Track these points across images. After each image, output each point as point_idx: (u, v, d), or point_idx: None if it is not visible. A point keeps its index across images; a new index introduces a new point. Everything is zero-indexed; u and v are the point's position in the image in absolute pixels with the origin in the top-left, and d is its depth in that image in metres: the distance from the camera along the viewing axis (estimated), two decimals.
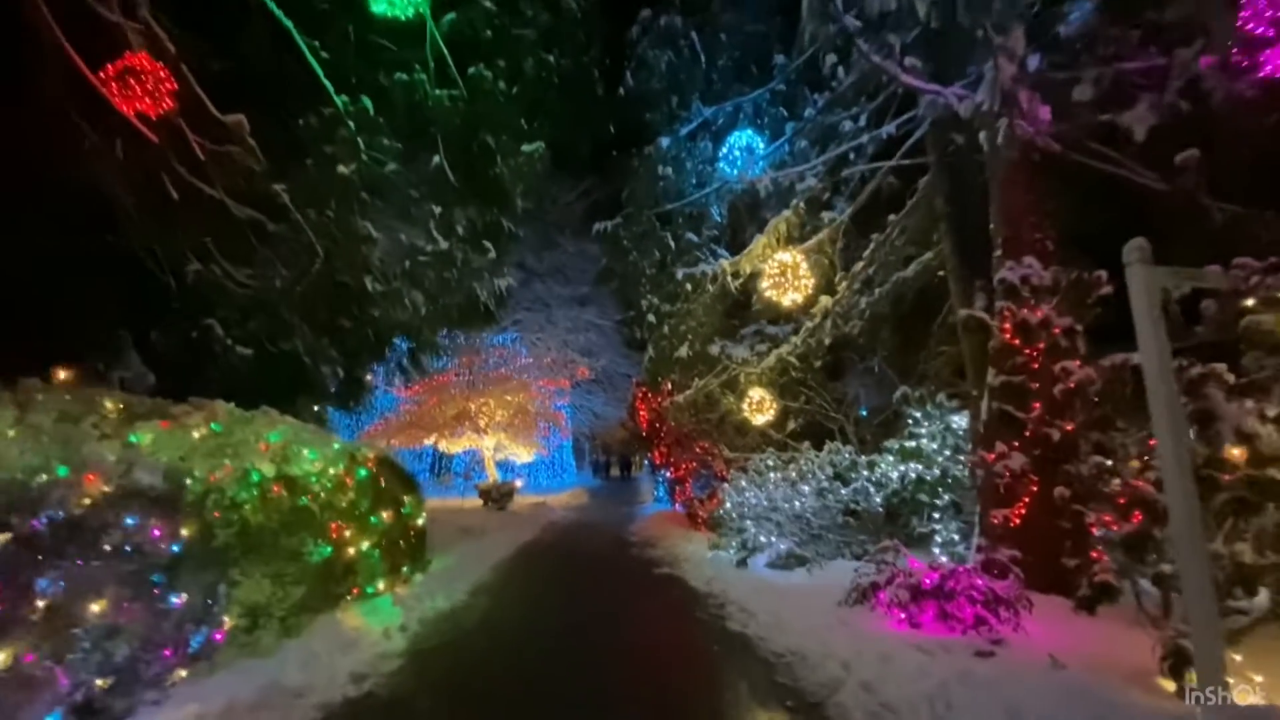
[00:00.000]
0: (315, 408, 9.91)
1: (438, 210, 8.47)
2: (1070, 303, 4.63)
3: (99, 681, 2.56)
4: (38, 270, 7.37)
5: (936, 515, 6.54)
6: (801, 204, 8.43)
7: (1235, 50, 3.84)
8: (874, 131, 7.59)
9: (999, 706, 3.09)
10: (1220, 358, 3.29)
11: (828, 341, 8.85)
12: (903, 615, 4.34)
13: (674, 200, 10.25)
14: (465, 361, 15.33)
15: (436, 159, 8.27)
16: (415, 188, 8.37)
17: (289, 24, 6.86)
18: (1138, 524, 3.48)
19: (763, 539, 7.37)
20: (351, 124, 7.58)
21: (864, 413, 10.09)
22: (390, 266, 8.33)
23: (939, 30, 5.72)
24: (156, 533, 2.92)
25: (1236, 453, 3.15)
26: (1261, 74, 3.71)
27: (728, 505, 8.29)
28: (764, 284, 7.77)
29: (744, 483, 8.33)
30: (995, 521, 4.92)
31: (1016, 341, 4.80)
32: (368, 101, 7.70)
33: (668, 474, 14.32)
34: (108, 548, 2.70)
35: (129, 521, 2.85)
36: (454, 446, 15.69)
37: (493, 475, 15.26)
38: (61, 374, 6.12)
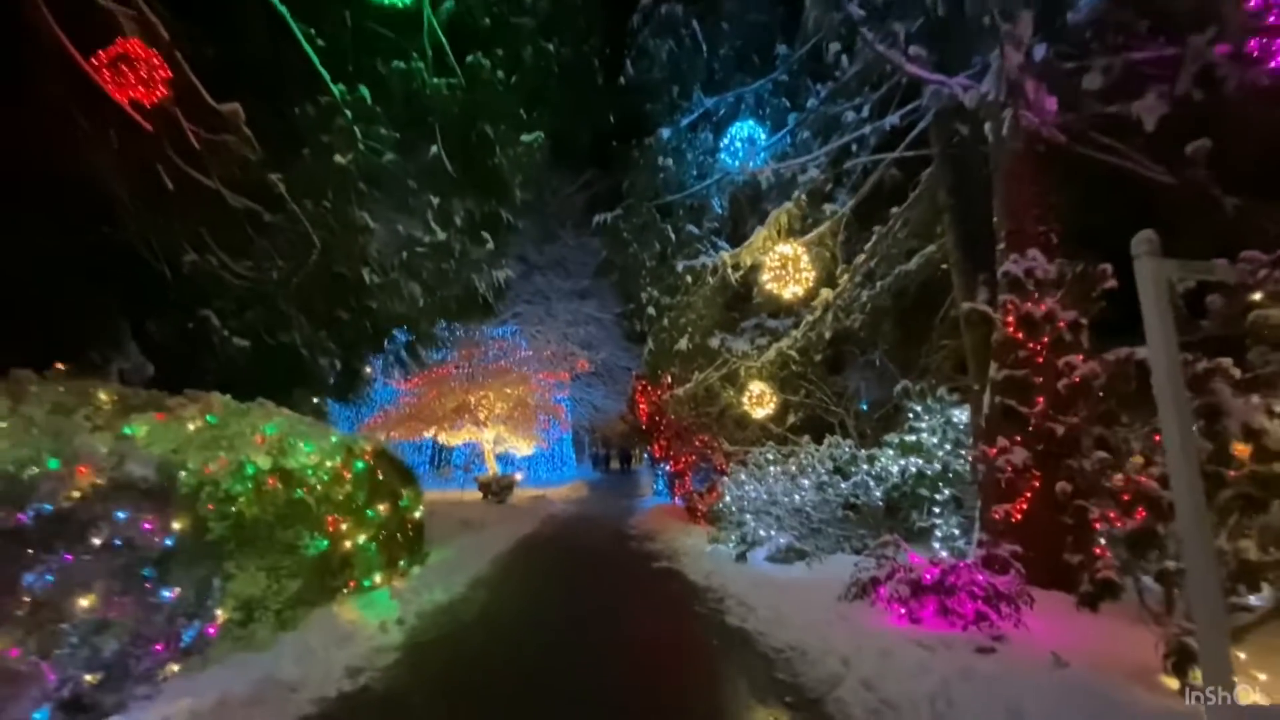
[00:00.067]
0: (315, 400, 9.87)
1: (435, 201, 8.39)
2: (1075, 296, 4.57)
3: (87, 677, 2.53)
4: (34, 262, 7.31)
5: (937, 510, 6.51)
6: (803, 196, 8.36)
7: (1248, 39, 3.76)
8: (877, 123, 7.49)
9: (1000, 704, 3.06)
10: (1225, 353, 3.24)
11: (828, 335, 8.80)
12: (903, 610, 4.31)
13: (674, 192, 10.16)
14: (465, 354, 15.32)
15: (434, 149, 8.17)
16: (413, 178, 8.28)
17: (284, 10, 6.75)
18: (1141, 520, 3.45)
19: (762, 533, 7.35)
20: (348, 113, 7.48)
21: (864, 407, 10.05)
22: (388, 258, 8.26)
23: (944, 18, 5.63)
24: (148, 526, 2.88)
25: (1242, 449, 3.12)
26: (1275, 63, 3.63)
27: (727, 499, 8.26)
28: (765, 277, 7.72)
29: (743, 476, 8.30)
30: (996, 516, 4.88)
31: (1020, 335, 4.75)
32: (365, 90, 7.60)
33: (667, 467, 14.31)
34: (97, 541, 2.66)
35: (119, 515, 2.81)
36: (454, 439, 15.68)
37: (492, 468, 15.25)
38: (60, 366, 6.08)
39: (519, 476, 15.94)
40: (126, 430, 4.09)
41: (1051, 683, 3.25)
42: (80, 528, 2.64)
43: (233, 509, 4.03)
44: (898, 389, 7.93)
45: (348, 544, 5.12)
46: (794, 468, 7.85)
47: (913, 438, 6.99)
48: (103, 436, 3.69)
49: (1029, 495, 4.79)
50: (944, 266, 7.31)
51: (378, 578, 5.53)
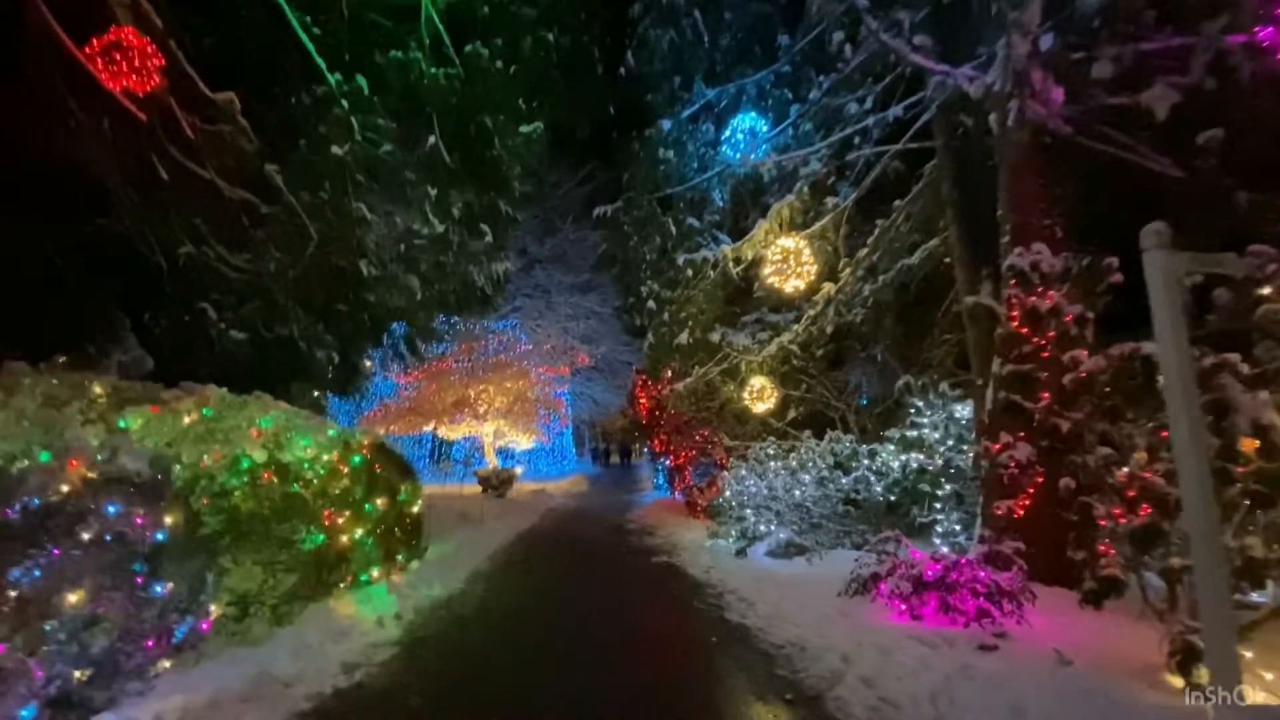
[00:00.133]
0: (315, 394, 9.82)
1: (434, 192, 8.29)
2: (1081, 290, 4.52)
3: (76, 674, 2.49)
4: (29, 254, 7.25)
5: (938, 505, 6.48)
6: (805, 189, 8.28)
7: (1261, 28, 3.68)
8: (880, 114, 7.40)
9: (1003, 703, 3.02)
10: (1231, 348, 3.20)
11: (830, 329, 8.74)
12: (904, 607, 4.28)
13: (675, 184, 10.07)
14: (465, 348, 15.27)
15: (432, 140, 8.07)
16: (411, 169, 8.18)
17: None
18: (1147, 516, 3.41)
19: (762, 528, 7.33)
20: (345, 103, 7.38)
21: (864, 402, 10.01)
22: (386, 250, 8.18)
23: (950, 6, 5.54)
24: (139, 520, 2.84)
25: (1249, 445, 3.08)
26: None
27: (727, 494, 8.23)
28: (766, 270, 7.66)
29: (744, 471, 8.27)
30: (998, 512, 4.85)
31: (1025, 329, 4.70)
32: (362, 80, 7.49)
33: (667, 462, 14.29)
34: (86, 536, 2.61)
35: (110, 509, 2.76)
36: (454, 433, 15.65)
37: (492, 462, 15.23)
38: (62, 359, 6.04)
39: (519, 471, 15.93)
40: (121, 423, 4.05)
41: (1054, 681, 3.22)
42: (69, 522, 2.59)
43: (227, 503, 3.99)
44: (899, 384, 7.89)
45: (344, 538, 5.09)
46: (794, 463, 7.83)
47: (914, 433, 6.96)
48: (95, 429, 3.65)
49: (1032, 491, 4.75)
50: (947, 260, 7.24)
51: (375, 572, 5.50)
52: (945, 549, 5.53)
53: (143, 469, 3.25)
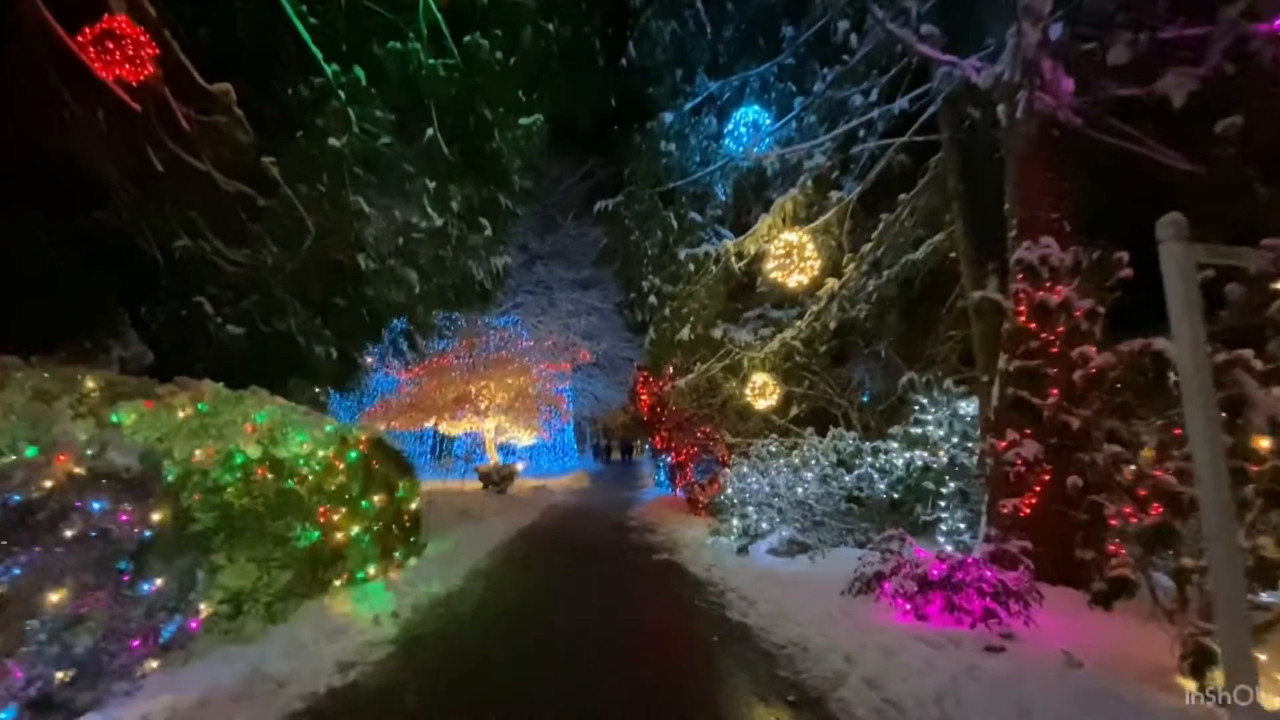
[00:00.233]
0: (315, 390, 9.77)
1: (432, 185, 8.20)
2: (1091, 284, 4.42)
3: (58, 674, 2.42)
4: (26, 248, 7.19)
5: (942, 504, 6.39)
6: (809, 182, 8.18)
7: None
8: (885, 107, 7.29)
9: (1011, 705, 2.95)
10: (1242, 345, 3.12)
11: (833, 325, 8.65)
12: (908, 606, 4.20)
13: (677, 178, 9.96)
14: (466, 344, 15.24)
15: (431, 132, 7.98)
16: (409, 162, 8.09)
17: None
18: (1159, 516, 3.33)
19: (764, 525, 7.26)
20: (343, 95, 7.29)
21: (867, 399, 9.92)
22: (384, 244, 8.10)
23: None
24: (124, 517, 2.77)
25: (1265, 443, 3.00)
26: None
27: (729, 491, 8.16)
28: (769, 265, 7.56)
29: (746, 468, 8.20)
30: (1004, 511, 4.77)
31: (1033, 324, 4.60)
32: (360, 72, 7.39)
33: (669, 459, 14.22)
34: (69, 533, 2.54)
35: (95, 505, 2.69)
36: (455, 429, 15.61)
37: (493, 458, 15.18)
38: (61, 354, 5.99)
39: (520, 467, 15.89)
40: (114, 418, 3.99)
41: (1064, 683, 3.14)
42: (51, 519, 2.52)
43: (220, 499, 3.93)
44: (903, 381, 7.79)
45: (340, 535, 5.03)
46: (797, 460, 7.75)
47: (918, 430, 6.87)
48: (85, 424, 3.58)
49: (1038, 489, 4.67)
50: (952, 255, 7.15)
51: (372, 570, 5.44)
52: (950, 548, 5.46)
53: (132, 464, 3.17)
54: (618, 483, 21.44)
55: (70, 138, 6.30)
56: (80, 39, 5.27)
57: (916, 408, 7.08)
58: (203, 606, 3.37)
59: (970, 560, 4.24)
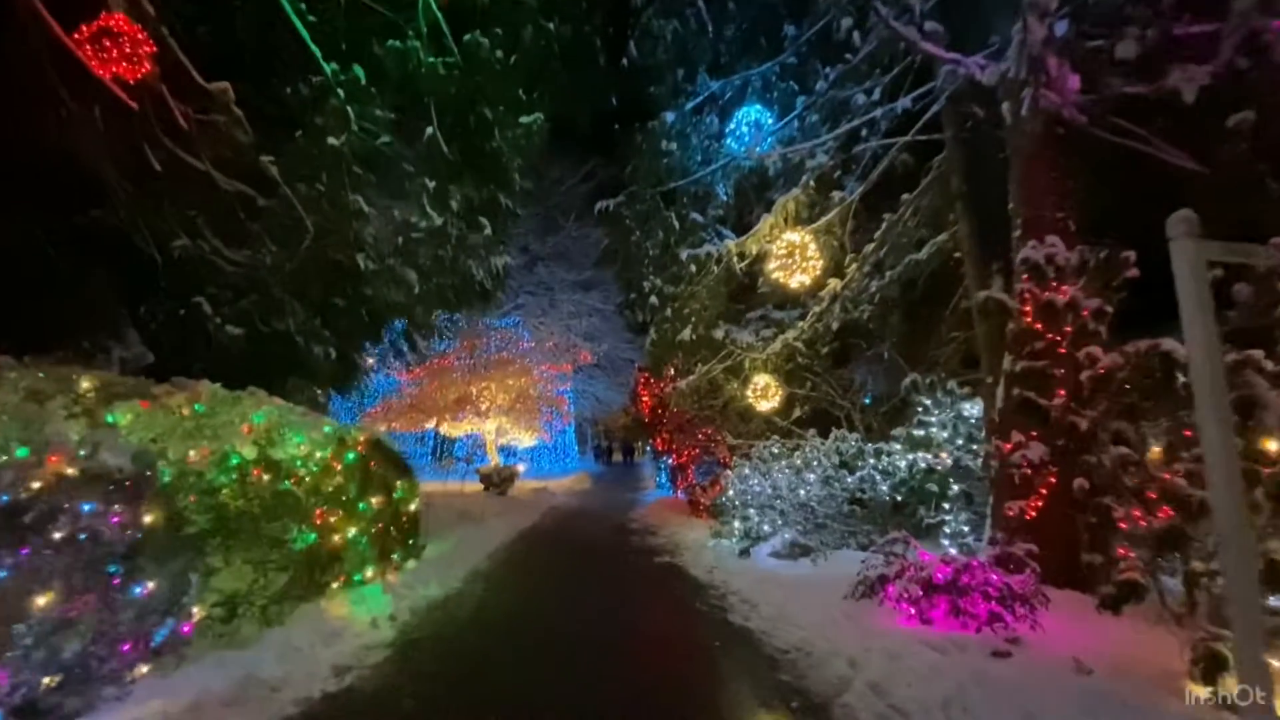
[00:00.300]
0: (315, 391, 9.70)
1: (432, 185, 8.14)
2: (1098, 284, 4.37)
3: (44, 679, 2.37)
4: (23, 247, 7.15)
5: (946, 506, 6.33)
6: (811, 182, 8.12)
7: None
8: (888, 106, 7.23)
9: (1018, 712, 2.89)
10: (1251, 345, 3.07)
11: (835, 326, 8.59)
12: (913, 610, 4.14)
13: (678, 178, 9.91)
14: (466, 345, 15.19)
15: (430, 131, 7.93)
16: (409, 161, 8.05)
17: None
18: (1169, 519, 3.27)
19: (766, 528, 7.20)
20: (342, 94, 7.24)
21: (869, 400, 9.85)
22: (383, 243, 8.05)
23: None
24: (115, 519, 2.72)
25: (1275, 446, 2.95)
26: None
27: (730, 493, 8.10)
28: (771, 266, 7.52)
29: (747, 470, 8.14)
30: (1010, 514, 4.70)
31: (1039, 325, 4.54)
32: (359, 70, 7.34)
33: (670, 460, 14.17)
34: (58, 535, 2.49)
35: (85, 507, 2.64)
36: (456, 430, 15.56)
37: (494, 460, 15.13)
38: (59, 354, 5.94)
39: (521, 468, 15.84)
40: (110, 418, 3.94)
41: (1071, 689, 3.08)
42: (40, 520, 2.47)
43: (215, 501, 3.88)
44: (906, 382, 7.72)
45: (338, 537, 4.98)
46: (799, 462, 7.69)
47: (921, 432, 6.81)
48: (77, 424, 3.53)
49: (1044, 492, 4.61)
50: (955, 255, 7.10)
51: (370, 572, 5.39)
52: (954, 550, 5.39)
53: (125, 465, 3.12)
54: (619, 484, 21.38)
55: (67, 136, 6.25)
56: (77, 36, 5.22)
57: (920, 409, 7.01)
58: (196, 610, 3.32)
59: (975, 563, 4.18)
